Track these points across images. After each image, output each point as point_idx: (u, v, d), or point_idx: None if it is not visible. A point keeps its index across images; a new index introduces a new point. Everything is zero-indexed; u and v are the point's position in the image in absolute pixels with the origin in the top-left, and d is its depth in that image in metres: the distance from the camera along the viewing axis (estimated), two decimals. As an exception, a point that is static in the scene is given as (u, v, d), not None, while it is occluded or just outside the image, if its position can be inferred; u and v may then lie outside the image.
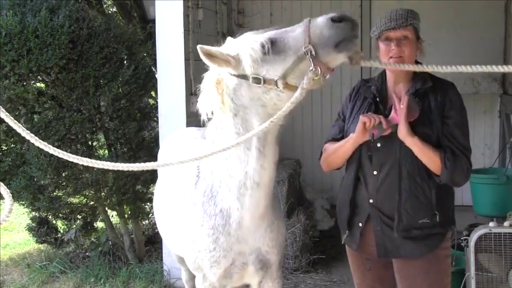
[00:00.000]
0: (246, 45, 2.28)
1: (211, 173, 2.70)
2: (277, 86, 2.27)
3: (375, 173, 2.83)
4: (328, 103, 7.20)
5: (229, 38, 2.45)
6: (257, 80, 2.29)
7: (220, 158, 2.59)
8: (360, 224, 2.92)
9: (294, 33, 2.25)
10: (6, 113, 1.65)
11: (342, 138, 2.96)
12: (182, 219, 2.90)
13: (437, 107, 2.78)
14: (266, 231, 2.74)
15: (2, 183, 1.69)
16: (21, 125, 1.72)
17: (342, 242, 3.10)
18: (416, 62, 2.84)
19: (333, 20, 2.17)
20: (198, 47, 2.29)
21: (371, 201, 2.85)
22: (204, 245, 2.74)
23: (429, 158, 2.71)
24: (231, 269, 2.78)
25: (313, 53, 2.18)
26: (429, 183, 2.78)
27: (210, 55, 2.30)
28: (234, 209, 2.64)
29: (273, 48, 2.25)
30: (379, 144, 2.82)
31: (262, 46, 2.25)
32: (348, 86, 7.16)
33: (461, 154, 2.75)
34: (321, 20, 2.20)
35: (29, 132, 1.73)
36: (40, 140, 1.75)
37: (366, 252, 2.96)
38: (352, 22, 2.19)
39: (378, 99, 2.88)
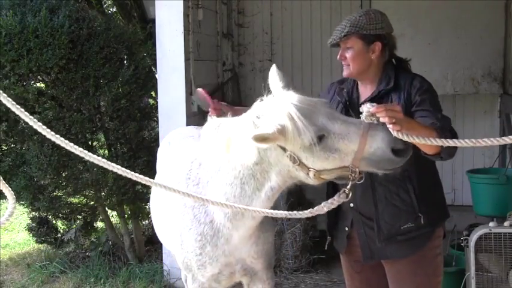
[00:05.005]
0: (295, 129, 2.17)
1: (206, 183, 2.68)
2: (308, 175, 2.27)
3: None
4: (328, 103, 7.19)
5: (275, 98, 2.31)
6: (293, 160, 2.25)
7: (220, 180, 2.57)
8: (346, 229, 2.90)
9: (347, 138, 2.18)
10: (16, 105, 1.64)
11: None
12: (172, 218, 2.90)
13: (404, 103, 2.66)
14: (252, 246, 2.76)
15: (8, 187, 1.67)
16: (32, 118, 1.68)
17: (325, 248, 3.08)
18: (399, 60, 2.81)
19: (393, 150, 2.16)
20: (252, 137, 2.15)
21: (351, 205, 2.82)
22: (191, 248, 2.75)
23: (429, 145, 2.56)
24: (218, 277, 2.81)
25: (358, 171, 2.21)
26: (406, 188, 2.69)
27: (263, 139, 2.18)
28: (225, 227, 2.65)
29: (320, 143, 2.18)
30: None
31: (310, 142, 2.16)
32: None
33: (445, 122, 2.59)
34: (381, 143, 2.16)
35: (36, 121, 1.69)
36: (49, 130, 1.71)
37: (354, 255, 2.95)
38: (406, 156, 2.20)
39: (348, 102, 2.82)
